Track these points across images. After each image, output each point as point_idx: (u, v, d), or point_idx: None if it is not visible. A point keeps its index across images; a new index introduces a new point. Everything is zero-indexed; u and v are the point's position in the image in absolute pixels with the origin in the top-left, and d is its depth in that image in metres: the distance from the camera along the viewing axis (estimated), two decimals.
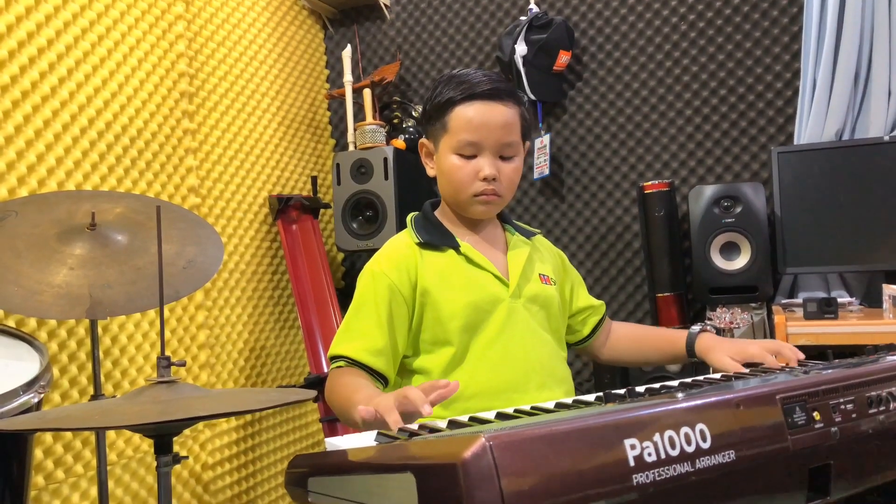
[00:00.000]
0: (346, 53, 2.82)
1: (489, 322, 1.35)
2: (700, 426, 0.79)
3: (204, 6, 2.44)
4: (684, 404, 0.81)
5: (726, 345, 1.35)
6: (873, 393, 0.96)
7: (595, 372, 2.51)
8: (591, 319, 1.57)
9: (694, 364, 1.47)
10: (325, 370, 2.58)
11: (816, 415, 0.90)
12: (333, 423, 2.55)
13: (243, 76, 2.61)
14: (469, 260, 1.38)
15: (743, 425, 0.83)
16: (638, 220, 2.58)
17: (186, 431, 2.22)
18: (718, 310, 2.20)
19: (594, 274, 2.74)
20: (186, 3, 2.34)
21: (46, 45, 1.85)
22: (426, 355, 1.37)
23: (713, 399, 0.83)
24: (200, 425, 2.27)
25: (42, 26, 1.85)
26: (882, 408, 0.96)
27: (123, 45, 2.09)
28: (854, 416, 0.93)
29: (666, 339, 1.49)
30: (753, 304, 2.32)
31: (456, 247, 1.39)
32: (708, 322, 2.22)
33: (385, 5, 3.03)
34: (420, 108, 1.48)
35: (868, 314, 2.06)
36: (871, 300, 2.22)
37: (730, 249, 2.28)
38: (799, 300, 2.13)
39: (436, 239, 1.39)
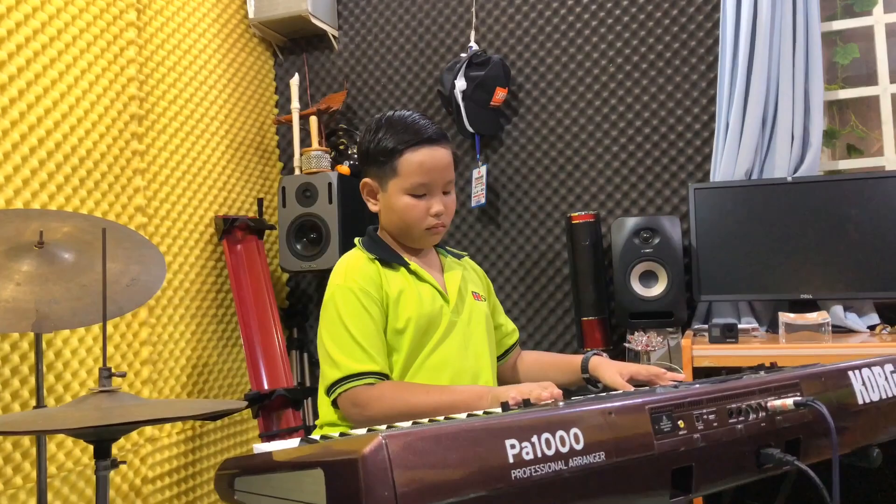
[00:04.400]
0: (294, 82, 2.93)
1: (433, 334, 1.49)
2: (574, 430, 0.92)
3: (155, 32, 2.53)
4: (562, 411, 0.94)
5: (613, 363, 1.54)
6: (734, 405, 1.10)
7: None
8: (507, 340, 1.72)
9: (593, 385, 1.63)
10: (265, 386, 2.66)
11: (681, 423, 1.04)
12: (272, 438, 2.62)
13: (193, 100, 2.70)
14: (419, 277, 1.53)
15: (614, 430, 0.97)
16: (566, 248, 2.74)
17: (127, 445, 2.27)
18: (636, 333, 2.37)
19: (527, 298, 2.89)
20: (138, 28, 2.44)
21: None
22: None
23: (588, 407, 0.96)
24: (141, 439, 2.33)
25: None
26: (741, 418, 1.10)
27: (75, 67, 2.17)
28: (715, 424, 1.07)
29: (565, 361, 1.65)
30: (670, 329, 2.50)
31: (406, 265, 1.52)
32: (626, 345, 2.37)
33: (333, 37, 3.16)
34: (359, 148, 1.59)
35: (769, 339, 2.24)
36: (776, 327, 2.40)
37: (648, 277, 2.46)
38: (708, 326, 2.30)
39: (388, 257, 1.53)
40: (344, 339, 1.41)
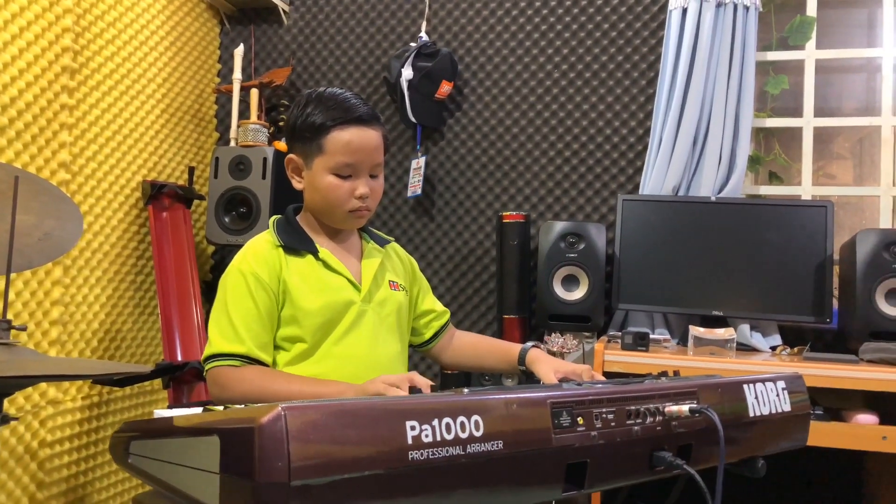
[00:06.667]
0: (239, 52, 2.88)
1: (340, 322, 1.47)
2: (475, 417, 0.94)
3: None
4: (466, 398, 0.96)
5: (550, 359, 1.53)
6: (632, 407, 1.14)
7: (441, 375, 2.67)
8: (435, 324, 1.71)
9: (528, 377, 1.65)
10: (179, 358, 2.61)
11: (580, 420, 1.07)
12: None
13: (131, 59, 2.62)
14: (326, 265, 1.50)
15: (514, 421, 0.99)
16: (495, 245, 2.78)
17: (26, 406, 2.19)
18: (553, 335, 2.42)
19: (452, 291, 2.91)
20: None
21: None
22: (278, 351, 1.47)
23: (491, 397, 0.98)
24: (43, 401, 2.25)
25: None
26: (638, 420, 1.14)
27: (6, 10, 2.08)
28: (613, 424, 1.11)
29: (503, 350, 1.65)
30: (587, 334, 2.56)
31: (315, 252, 1.50)
32: (543, 345, 2.42)
33: (284, 11, 3.11)
34: (287, 122, 1.55)
35: (678, 351, 2.32)
36: (686, 340, 2.49)
37: (570, 281, 2.51)
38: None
39: (296, 243, 1.50)
40: (222, 319, 1.42)
